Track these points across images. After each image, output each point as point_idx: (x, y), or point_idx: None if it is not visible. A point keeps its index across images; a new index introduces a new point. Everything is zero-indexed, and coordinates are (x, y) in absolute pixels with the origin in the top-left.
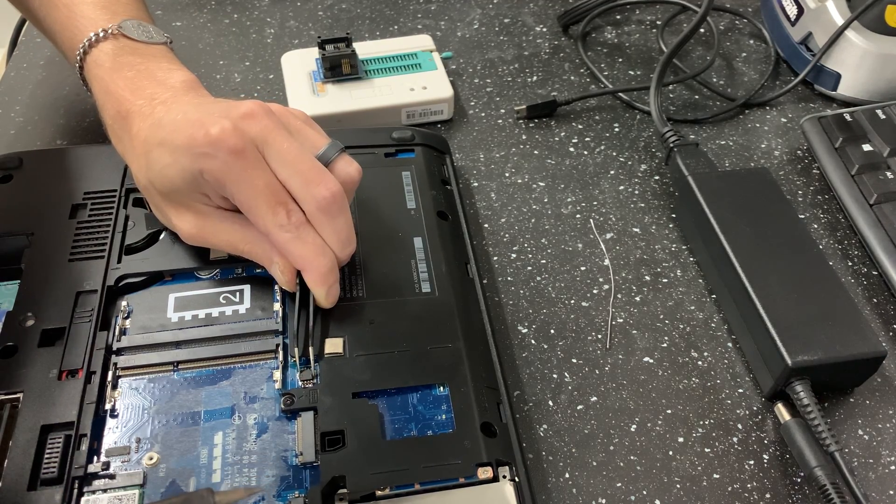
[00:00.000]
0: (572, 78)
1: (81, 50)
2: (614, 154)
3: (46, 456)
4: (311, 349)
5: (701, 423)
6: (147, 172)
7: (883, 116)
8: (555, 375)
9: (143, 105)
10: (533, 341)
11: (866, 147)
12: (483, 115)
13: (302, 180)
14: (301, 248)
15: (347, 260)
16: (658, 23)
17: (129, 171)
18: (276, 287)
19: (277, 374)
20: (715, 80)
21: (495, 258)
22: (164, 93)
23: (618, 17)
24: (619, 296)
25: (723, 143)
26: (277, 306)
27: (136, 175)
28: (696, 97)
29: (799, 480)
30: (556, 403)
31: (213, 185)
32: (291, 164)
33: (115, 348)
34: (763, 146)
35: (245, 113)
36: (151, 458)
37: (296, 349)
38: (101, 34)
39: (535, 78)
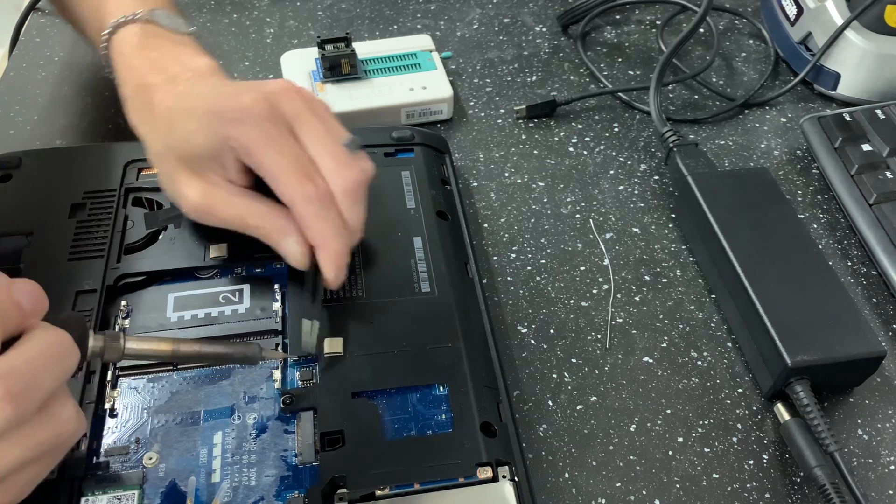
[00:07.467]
0: (572, 78)
1: (109, 30)
2: (614, 154)
3: None
4: (305, 322)
5: (700, 423)
6: (167, 138)
7: (882, 116)
8: (554, 375)
9: (164, 80)
10: (532, 341)
11: (866, 147)
12: (483, 114)
13: (333, 161)
14: (322, 225)
15: (351, 248)
16: (658, 23)
17: (129, 170)
18: (276, 287)
19: (277, 374)
20: (714, 79)
21: (495, 258)
22: (187, 73)
23: (617, 16)
24: (618, 296)
25: (722, 142)
26: (277, 306)
27: (152, 143)
28: (696, 97)
29: (798, 480)
30: (555, 403)
31: (237, 153)
32: (323, 144)
33: None
34: (763, 146)
35: (278, 89)
36: (151, 458)
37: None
38: (131, 17)
39: (534, 78)
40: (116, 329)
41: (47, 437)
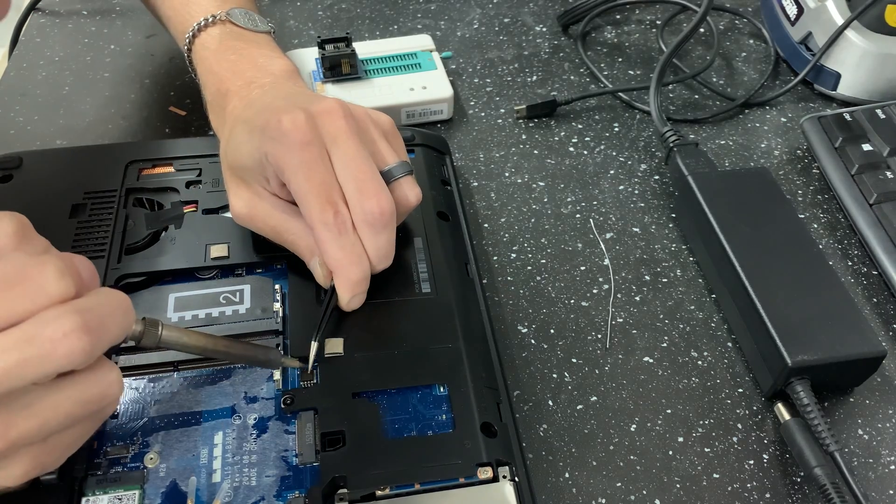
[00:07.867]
0: (572, 78)
1: (191, 33)
2: (614, 154)
3: None
4: (313, 345)
5: (701, 422)
6: (226, 145)
7: (883, 116)
8: (555, 375)
9: (241, 86)
10: (533, 341)
11: (866, 147)
12: (483, 114)
13: (356, 188)
14: (338, 252)
15: (379, 272)
16: (658, 22)
17: (130, 170)
18: (276, 287)
19: (277, 374)
20: (715, 79)
21: (495, 258)
22: (264, 78)
23: (618, 16)
24: (618, 295)
25: (723, 142)
26: (277, 306)
27: (221, 148)
28: (696, 97)
29: (799, 480)
30: (555, 403)
31: (273, 170)
32: (351, 169)
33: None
34: (763, 146)
35: (323, 109)
36: (152, 458)
37: (313, 345)
38: (210, 19)
39: (534, 78)
40: None
41: (96, 395)
